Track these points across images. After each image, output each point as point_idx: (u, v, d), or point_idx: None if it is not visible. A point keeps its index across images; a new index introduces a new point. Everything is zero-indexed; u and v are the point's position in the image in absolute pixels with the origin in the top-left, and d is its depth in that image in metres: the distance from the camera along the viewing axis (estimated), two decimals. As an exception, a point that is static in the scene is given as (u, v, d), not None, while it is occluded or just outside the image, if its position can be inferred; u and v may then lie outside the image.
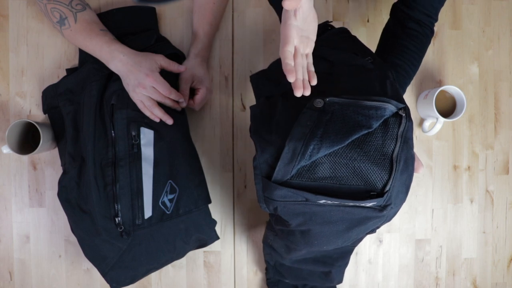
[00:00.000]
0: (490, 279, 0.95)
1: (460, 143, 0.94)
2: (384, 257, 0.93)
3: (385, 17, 0.83)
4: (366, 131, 0.51)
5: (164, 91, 0.75)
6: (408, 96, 0.93)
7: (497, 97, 0.94)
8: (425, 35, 0.75)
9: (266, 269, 0.89)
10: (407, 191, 0.55)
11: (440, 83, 0.94)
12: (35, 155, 0.88)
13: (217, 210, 0.90)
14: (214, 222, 0.84)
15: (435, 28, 0.93)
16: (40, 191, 0.89)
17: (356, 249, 0.92)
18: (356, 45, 0.74)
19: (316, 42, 0.79)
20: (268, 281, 0.89)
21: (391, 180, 0.51)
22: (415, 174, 0.92)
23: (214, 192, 0.90)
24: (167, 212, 0.77)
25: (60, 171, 0.86)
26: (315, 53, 0.70)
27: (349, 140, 0.51)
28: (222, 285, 0.91)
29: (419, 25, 0.73)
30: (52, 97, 0.85)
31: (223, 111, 0.90)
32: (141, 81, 0.73)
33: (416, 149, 0.93)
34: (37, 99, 0.89)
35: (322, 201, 0.52)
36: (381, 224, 0.60)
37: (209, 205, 0.84)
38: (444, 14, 0.93)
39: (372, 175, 0.51)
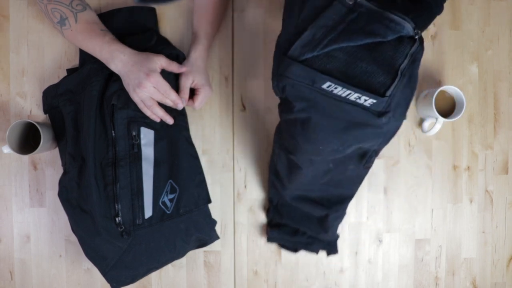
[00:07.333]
0: (490, 278, 0.95)
1: (460, 143, 0.94)
2: (384, 257, 0.93)
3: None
4: (380, 39, 0.55)
5: (165, 91, 0.75)
6: (408, 96, 0.93)
7: (496, 97, 0.95)
8: None
9: (268, 210, 0.90)
10: (407, 107, 0.59)
11: (439, 83, 0.94)
12: (35, 155, 0.89)
13: (217, 210, 0.90)
14: (214, 222, 0.85)
15: (435, 28, 0.93)
16: (41, 191, 0.89)
17: (356, 249, 0.92)
18: None
19: None
20: (269, 223, 0.90)
21: (392, 87, 0.55)
22: (415, 174, 0.93)
23: (214, 192, 0.90)
24: (168, 212, 0.78)
25: (60, 171, 0.86)
26: None
27: (363, 42, 0.55)
28: (222, 285, 0.91)
29: None
30: (52, 97, 0.85)
31: (223, 111, 0.91)
32: (142, 81, 0.73)
33: (416, 149, 0.93)
34: (38, 99, 0.89)
35: (327, 84, 0.56)
36: (379, 146, 0.64)
37: (209, 205, 0.85)
38: (444, 14, 0.93)
39: (376, 78, 0.55)
